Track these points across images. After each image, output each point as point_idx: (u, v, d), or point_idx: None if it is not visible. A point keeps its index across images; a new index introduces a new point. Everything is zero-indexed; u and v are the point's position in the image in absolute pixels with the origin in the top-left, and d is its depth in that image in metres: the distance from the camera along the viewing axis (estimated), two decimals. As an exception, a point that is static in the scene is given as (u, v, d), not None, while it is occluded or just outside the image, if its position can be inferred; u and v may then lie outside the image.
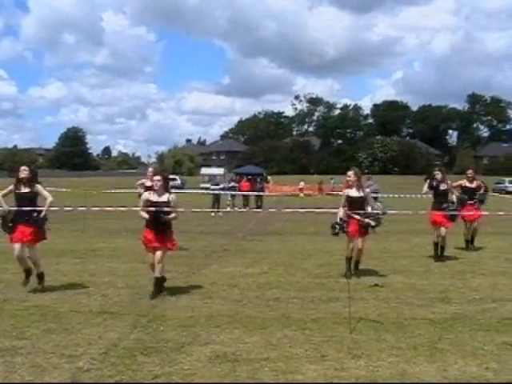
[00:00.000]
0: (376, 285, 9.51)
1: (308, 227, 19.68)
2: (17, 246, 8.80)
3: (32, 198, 8.96)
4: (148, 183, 14.51)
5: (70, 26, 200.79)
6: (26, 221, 8.79)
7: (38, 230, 8.91)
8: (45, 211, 9.02)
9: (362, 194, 10.29)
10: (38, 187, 9.05)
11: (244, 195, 33.23)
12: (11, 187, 9.02)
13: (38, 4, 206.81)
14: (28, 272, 9.01)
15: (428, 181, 12.49)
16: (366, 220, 10.14)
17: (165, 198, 8.96)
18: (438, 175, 12.33)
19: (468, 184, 14.03)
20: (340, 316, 7.38)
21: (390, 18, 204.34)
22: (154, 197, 9.02)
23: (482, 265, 11.69)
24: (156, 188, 9.00)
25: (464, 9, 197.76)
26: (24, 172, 8.93)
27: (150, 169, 15.23)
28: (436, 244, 12.29)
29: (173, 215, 8.97)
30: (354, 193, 10.31)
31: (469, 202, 13.68)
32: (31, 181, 8.98)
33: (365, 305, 8.08)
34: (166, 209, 8.91)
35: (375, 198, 28.88)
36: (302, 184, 56.70)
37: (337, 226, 10.18)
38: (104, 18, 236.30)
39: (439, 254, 12.22)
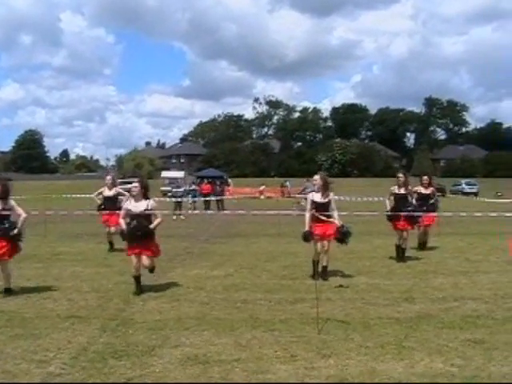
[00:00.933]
0: (341, 286, 9.64)
1: (270, 229, 19.78)
2: None
3: (5, 215, 8.86)
4: (106, 192, 14.45)
5: (27, 26, 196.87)
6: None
7: (12, 245, 8.83)
8: (18, 228, 8.97)
9: (326, 199, 10.39)
10: (12, 203, 8.97)
11: (205, 199, 33.28)
12: None
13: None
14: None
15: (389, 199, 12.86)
16: (337, 222, 10.28)
17: (143, 205, 9.12)
18: (402, 178, 12.59)
19: (423, 190, 14.40)
20: (307, 316, 7.47)
21: (349, 21, 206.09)
22: (132, 206, 9.17)
23: (443, 265, 11.94)
24: (134, 194, 9.24)
25: (421, 14, 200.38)
26: None
27: (109, 177, 15.18)
28: (398, 246, 12.52)
29: (157, 221, 9.20)
30: (318, 198, 10.41)
31: (423, 207, 14.06)
32: (4, 196, 8.88)
33: (331, 305, 8.18)
34: (145, 219, 9.17)
35: None
36: (262, 187, 56.83)
37: (307, 235, 10.26)
38: (62, 19, 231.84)
39: (401, 255, 12.44)
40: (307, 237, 10.20)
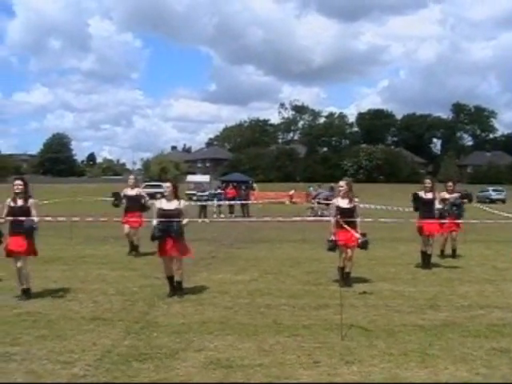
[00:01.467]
0: (365, 292, 9.60)
1: (295, 235, 19.73)
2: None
3: (26, 212, 8.98)
4: (128, 192, 14.57)
5: (56, 31, 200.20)
6: (20, 232, 8.83)
7: (30, 243, 8.95)
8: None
9: (351, 205, 10.35)
10: (32, 203, 9.07)
11: (229, 203, 33.30)
12: (8, 203, 9.03)
13: (23, 9, 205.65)
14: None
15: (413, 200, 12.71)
16: (357, 235, 10.18)
17: (175, 204, 9.32)
18: (429, 184, 12.48)
19: (448, 196, 14.24)
20: (331, 323, 7.45)
21: (377, 26, 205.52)
22: (164, 204, 9.39)
23: (468, 272, 11.82)
24: (166, 194, 9.46)
25: (450, 18, 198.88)
26: (19, 187, 8.95)
27: (131, 176, 15.36)
28: (424, 252, 12.40)
29: (185, 221, 9.36)
30: (343, 204, 10.37)
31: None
32: (26, 193, 9.02)
33: (355, 312, 8.16)
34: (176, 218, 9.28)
35: (327, 205, 30.01)
36: (292, 191, 56.61)
37: (331, 242, 10.24)
38: (90, 24, 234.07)
39: (427, 261, 12.33)
40: (333, 248, 10.21)
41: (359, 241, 10.17)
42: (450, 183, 14.58)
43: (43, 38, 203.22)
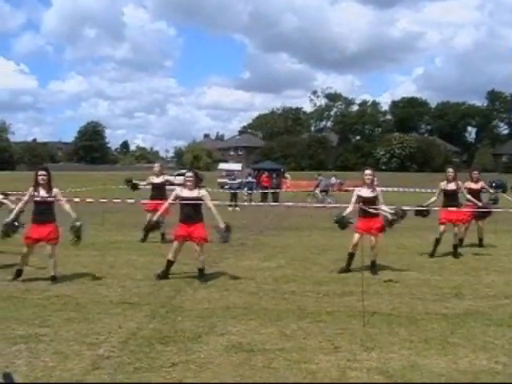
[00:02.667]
0: (390, 280, 9.62)
1: (323, 223, 19.71)
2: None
3: (49, 203, 9.17)
4: (155, 180, 14.72)
5: (91, 20, 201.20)
6: (44, 221, 9.06)
7: (57, 230, 9.19)
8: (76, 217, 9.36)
9: (374, 193, 10.35)
10: (56, 192, 9.26)
11: (263, 191, 33.45)
12: (30, 192, 9.20)
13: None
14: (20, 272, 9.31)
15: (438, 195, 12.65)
16: (389, 216, 10.19)
17: (195, 193, 9.43)
18: (451, 173, 12.37)
19: (473, 186, 14.03)
20: (354, 309, 7.52)
21: (413, 13, 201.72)
22: (185, 193, 9.50)
23: (496, 262, 11.75)
24: (189, 184, 9.59)
25: (488, 4, 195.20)
26: (44, 178, 9.14)
27: (156, 164, 15.53)
28: (438, 239, 12.33)
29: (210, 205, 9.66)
30: (365, 193, 10.36)
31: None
32: (49, 183, 9.21)
33: (379, 299, 8.20)
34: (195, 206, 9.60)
35: (326, 192, 31.02)
36: (333, 180, 56.21)
37: (343, 221, 10.40)
38: (125, 13, 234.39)
39: (453, 251, 12.27)
40: (343, 222, 10.27)
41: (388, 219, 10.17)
42: (476, 172, 14.36)
43: (78, 27, 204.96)
